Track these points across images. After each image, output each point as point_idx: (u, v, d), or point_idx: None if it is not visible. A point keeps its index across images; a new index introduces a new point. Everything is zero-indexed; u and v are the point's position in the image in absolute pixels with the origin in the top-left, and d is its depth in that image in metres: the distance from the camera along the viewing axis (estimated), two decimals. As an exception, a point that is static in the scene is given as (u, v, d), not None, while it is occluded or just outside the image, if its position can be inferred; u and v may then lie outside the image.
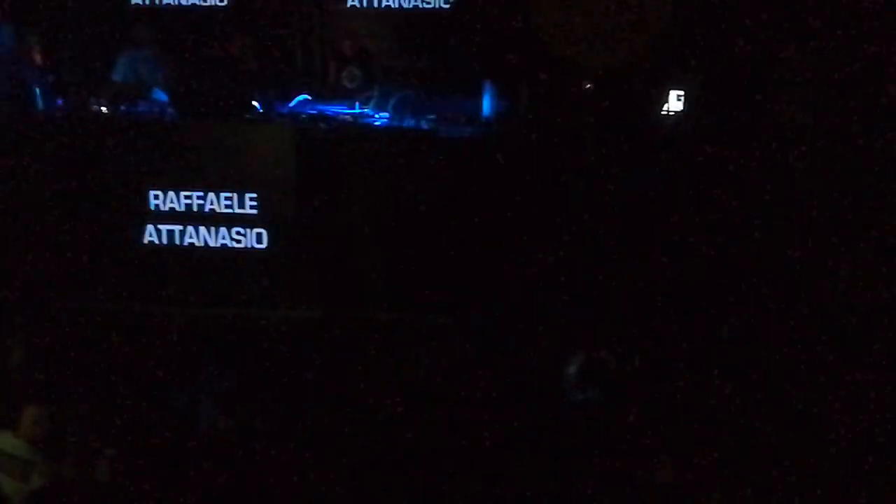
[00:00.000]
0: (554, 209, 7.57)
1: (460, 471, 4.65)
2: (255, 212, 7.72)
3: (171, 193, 7.74)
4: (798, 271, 7.04)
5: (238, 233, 7.76)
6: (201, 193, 7.73)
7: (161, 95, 8.22)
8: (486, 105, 8.07)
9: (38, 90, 8.15)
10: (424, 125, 7.98)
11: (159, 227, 7.77)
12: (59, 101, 8.14)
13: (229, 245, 7.74)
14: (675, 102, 8.26)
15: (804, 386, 5.80)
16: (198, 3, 9.11)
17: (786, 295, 6.92)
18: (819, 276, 6.95)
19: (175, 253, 7.73)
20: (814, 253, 7.06)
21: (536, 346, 6.42)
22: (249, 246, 7.73)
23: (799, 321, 6.60)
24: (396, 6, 9.02)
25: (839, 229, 7.13)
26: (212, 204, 7.75)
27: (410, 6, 8.99)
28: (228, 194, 7.72)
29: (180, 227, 7.77)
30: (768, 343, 6.38)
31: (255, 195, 7.69)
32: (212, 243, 7.77)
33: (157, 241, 7.78)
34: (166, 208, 7.74)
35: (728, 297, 7.01)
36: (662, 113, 8.31)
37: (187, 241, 7.77)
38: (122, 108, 8.11)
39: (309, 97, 8.47)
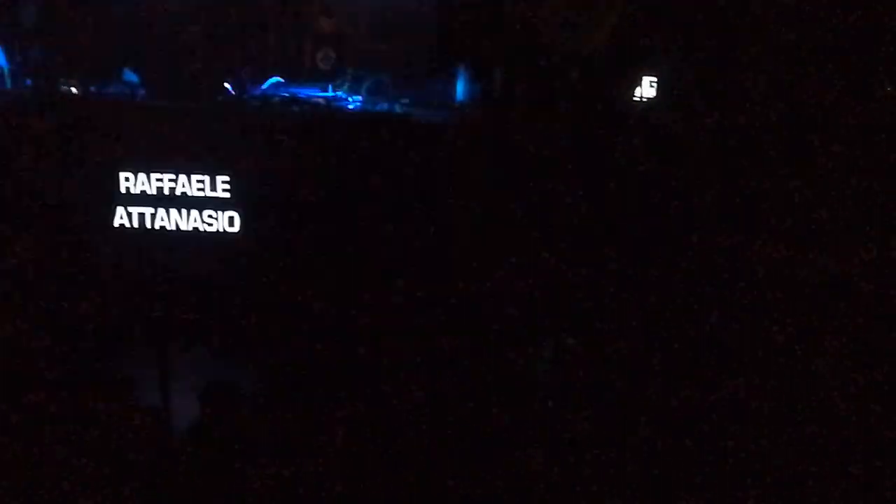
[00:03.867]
0: (528, 194, 7.59)
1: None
2: (227, 195, 7.69)
3: (142, 176, 7.70)
4: (773, 263, 7.08)
5: (210, 216, 7.73)
6: (173, 176, 7.70)
7: (132, 76, 8.14)
8: (460, 90, 8.07)
9: (5, 69, 8.06)
10: (398, 109, 7.97)
11: (130, 209, 7.74)
12: (28, 82, 8.05)
13: (201, 228, 7.73)
14: (647, 88, 8.28)
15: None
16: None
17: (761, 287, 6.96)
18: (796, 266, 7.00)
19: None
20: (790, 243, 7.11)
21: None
22: (221, 229, 7.72)
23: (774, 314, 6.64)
24: (371, -10, 8.97)
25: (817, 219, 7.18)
26: (183, 187, 7.72)
27: (385, -11, 8.95)
28: (200, 177, 7.70)
29: (151, 210, 7.74)
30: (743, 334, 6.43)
31: (226, 178, 7.67)
32: (183, 226, 7.74)
33: (128, 224, 7.74)
34: (137, 191, 7.70)
35: (705, 287, 7.06)
36: (635, 99, 8.33)
37: (158, 224, 7.74)
38: (92, 88, 8.03)
39: (281, 80, 8.42)
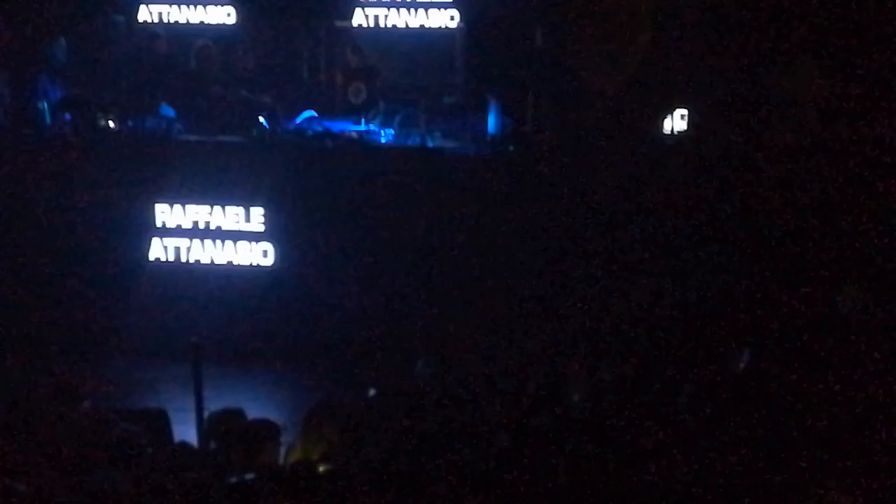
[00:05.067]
0: (559, 225, 7.61)
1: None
2: (261, 228, 7.77)
3: (177, 208, 7.80)
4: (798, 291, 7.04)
5: (244, 248, 7.81)
6: (208, 209, 7.80)
7: (168, 111, 8.27)
8: (492, 123, 8.12)
9: (45, 106, 8.21)
10: (430, 143, 8.03)
11: (165, 242, 7.84)
12: (67, 117, 8.18)
13: (235, 262, 7.80)
14: (678, 122, 8.31)
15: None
16: (206, 20, 9.16)
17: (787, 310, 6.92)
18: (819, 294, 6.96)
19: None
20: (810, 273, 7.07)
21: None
22: (255, 263, 7.79)
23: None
24: (403, 25, 9.07)
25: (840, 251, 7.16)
26: (218, 220, 7.81)
27: (417, 25, 9.04)
28: (235, 209, 7.79)
29: (187, 243, 7.83)
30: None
31: (261, 210, 7.75)
32: (218, 259, 7.82)
33: (163, 258, 7.84)
34: (173, 224, 7.81)
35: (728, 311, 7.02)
36: (666, 133, 8.36)
37: (193, 257, 7.83)
38: (130, 123, 8.16)
39: (315, 114, 8.51)
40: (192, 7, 9.22)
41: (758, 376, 5.12)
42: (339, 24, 9.44)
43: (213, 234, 7.83)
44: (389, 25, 9.21)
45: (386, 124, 8.30)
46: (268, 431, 4.58)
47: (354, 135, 8.18)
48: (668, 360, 5.65)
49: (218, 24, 9.22)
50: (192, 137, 8.13)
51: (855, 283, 6.68)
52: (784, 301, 6.71)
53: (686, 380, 5.00)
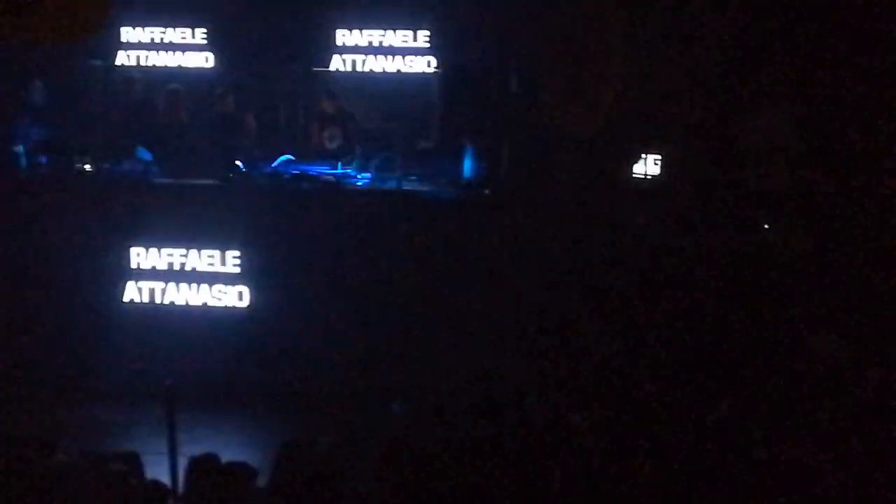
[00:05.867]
0: (533, 268, 7.67)
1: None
2: (237, 270, 7.77)
3: (152, 251, 7.79)
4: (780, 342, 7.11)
5: (220, 291, 7.80)
6: (184, 251, 7.80)
7: (145, 154, 8.29)
8: (467, 167, 8.22)
9: (22, 148, 8.20)
10: (405, 186, 8.09)
11: (140, 284, 7.81)
12: (44, 160, 8.19)
13: (210, 304, 7.79)
14: (652, 166, 8.43)
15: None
16: (183, 65, 9.23)
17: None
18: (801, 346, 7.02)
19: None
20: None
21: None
22: (230, 305, 7.78)
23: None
24: (380, 70, 9.18)
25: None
26: (194, 262, 7.81)
27: (394, 70, 9.16)
28: (211, 252, 7.79)
29: (162, 285, 7.81)
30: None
31: (237, 253, 7.76)
32: (193, 302, 7.80)
33: (137, 300, 7.81)
34: (148, 266, 7.79)
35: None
36: (637, 175, 8.47)
37: (168, 299, 7.81)
38: (106, 165, 8.18)
39: (292, 157, 8.57)
40: (169, 52, 9.30)
41: (735, 426, 5.16)
42: (316, 68, 9.54)
43: (189, 277, 7.82)
44: (367, 70, 9.33)
45: (363, 168, 8.37)
46: (244, 474, 4.56)
47: (331, 178, 8.24)
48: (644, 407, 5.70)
49: (196, 69, 9.30)
50: (169, 180, 8.15)
51: (831, 329, 6.77)
52: (760, 348, 6.78)
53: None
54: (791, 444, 5.02)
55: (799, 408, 5.62)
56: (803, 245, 7.46)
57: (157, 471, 5.54)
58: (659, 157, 8.28)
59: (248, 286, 7.76)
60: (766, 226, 7.78)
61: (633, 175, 8.45)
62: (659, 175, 8.34)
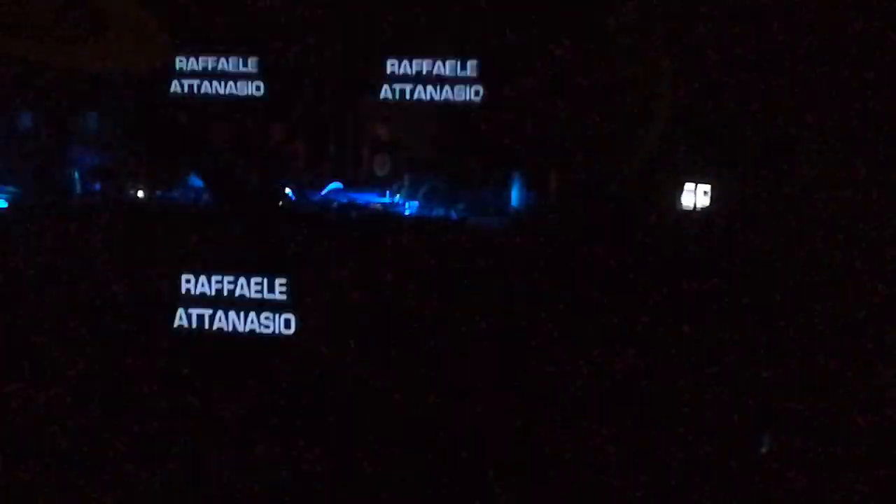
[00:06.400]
0: (581, 300, 7.60)
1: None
2: (284, 297, 7.81)
3: (202, 277, 7.87)
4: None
5: (267, 317, 7.84)
6: (232, 278, 7.86)
7: (197, 181, 8.40)
8: (515, 196, 8.19)
9: (76, 174, 8.36)
10: (454, 215, 8.09)
11: (190, 311, 7.89)
12: (97, 186, 8.34)
13: (257, 331, 7.83)
14: (701, 197, 8.31)
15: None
16: (235, 91, 9.34)
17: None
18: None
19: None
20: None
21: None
22: (277, 332, 7.81)
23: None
24: (428, 99, 9.21)
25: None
26: (242, 289, 7.87)
27: (442, 98, 9.18)
28: (258, 279, 7.84)
29: (210, 311, 7.87)
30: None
31: (284, 281, 7.80)
32: (240, 328, 7.85)
33: (186, 326, 7.87)
34: (197, 293, 7.87)
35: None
36: (686, 208, 8.37)
37: (216, 326, 7.86)
38: (158, 193, 8.30)
39: (341, 185, 8.62)
40: (221, 81, 9.43)
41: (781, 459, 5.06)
42: (365, 97, 9.60)
43: (237, 304, 7.88)
44: (416, 98, 9.36)
45: (410, 196, 8.39)
46: None
47: (379, 206, 8.27)
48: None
49: (247, 97, 9.41)
50: (219, 207, 8.24)
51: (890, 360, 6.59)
52: (815, 378, 6.64)
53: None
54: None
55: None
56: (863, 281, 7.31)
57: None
58: (708, 188, 8.18)
59: (294, 313, 7.79)
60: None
61: (682, 206, 8.36)
62: (709, 206, 8.23)
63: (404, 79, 9.57)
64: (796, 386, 6.76)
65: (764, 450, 5.46)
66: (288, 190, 8.18)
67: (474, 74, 9.40)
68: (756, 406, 6.42)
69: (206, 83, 9.53)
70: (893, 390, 6.42)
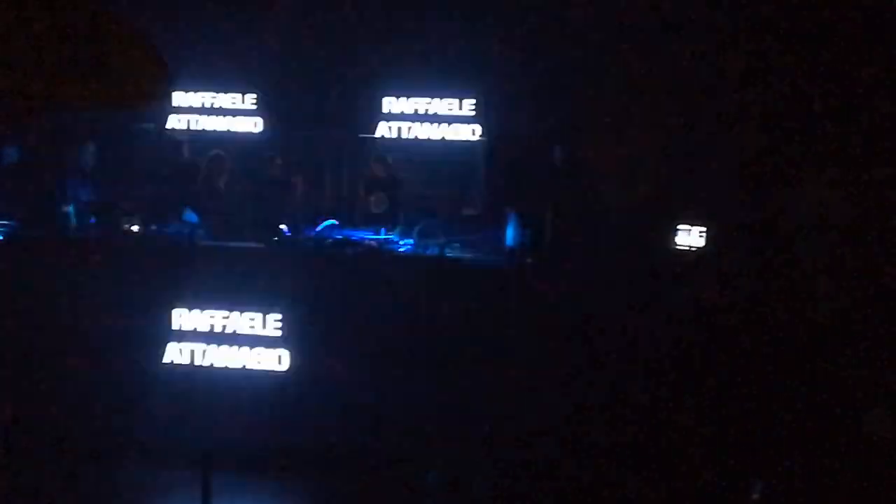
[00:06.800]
0: (576, 339, 7.59)
1: None
2: (278, 333, 7.76)
3: (195, 312, 7.82)
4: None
5: (259, 353, 7.78)
6: (226, 314, 7.81)
7: (192, 217, 8.40)
8: (510, 235, 8.19)
9: (72, 209, 8.36)
10: (448, 253, 8.08)
11: (181, 346, 7.82)
12: (93, 220, 8.33)
13: (249, 366, 7.76)
14: (696, 238, 8.36)
15: None
16: (233, 129, 9.41)
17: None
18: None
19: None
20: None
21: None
22: (270, 368, 7.74)
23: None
24: (425, 137, 9.27)
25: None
26: (236, 325, 7.81)
27: (439, 138, 9.24)
28: (252, 315, 7.79)
29: (203, 346, 7.81)
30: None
31: (279, 317, 7.76)
32: (232, 364, 7.78)
33: (177, 361, 7.80)
34: (190, 328, 7.81)
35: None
36: (682, 247, 8.41)
37: (208, 361, 7.80)
38: (153, 227, 8.30)
39: (336, 222, 8.63)
40: (220, 116, 9.50)
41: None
42: (363, 135, 9.67)
43: (230, 339, 7.83)
44: (412, 137, 9.43)
45: (405, 234, 8.40)
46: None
47: (374, 243, 8.27)
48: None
49: (245, 133, 9.47)
50: (213, 243, 8.23)
51: (882, 404, 6.59)
52: (806, 424, 6.62)
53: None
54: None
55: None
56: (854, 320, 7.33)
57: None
58: (704, 229, 8.22)
59: (288, 350, 7.75)
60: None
61: (678, 247, 8.39)
62: (704, 247, 8.27)
63: (402, 117, 9.64)
64: (785, 435, 6.78)
65: (755, 497, 5.41)
66: (283, 226, 8.17)
67: (471, 113, 9.48)
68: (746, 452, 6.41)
69: (203, 118, 9.58)
70: (880, 437, 6.41)
